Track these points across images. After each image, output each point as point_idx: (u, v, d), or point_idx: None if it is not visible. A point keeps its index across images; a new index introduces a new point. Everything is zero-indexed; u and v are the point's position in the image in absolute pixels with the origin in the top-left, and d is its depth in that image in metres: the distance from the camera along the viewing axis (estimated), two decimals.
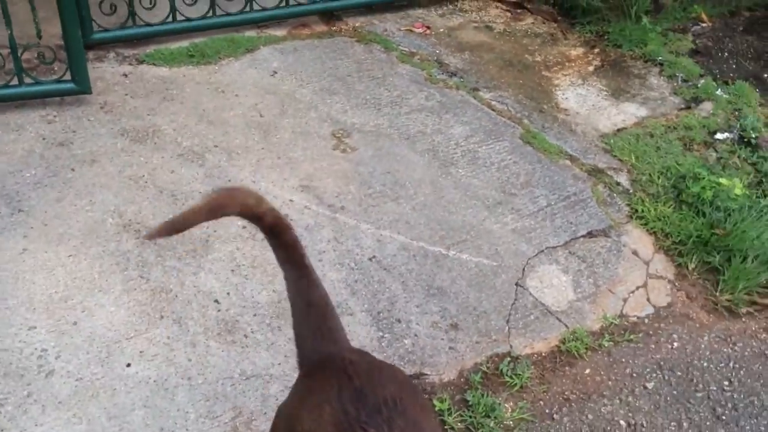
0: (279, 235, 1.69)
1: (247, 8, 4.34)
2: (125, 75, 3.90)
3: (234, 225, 3.04)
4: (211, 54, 4.13)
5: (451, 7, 4.96)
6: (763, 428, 2.56)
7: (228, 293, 2.79)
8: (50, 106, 3.60)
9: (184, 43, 4.18)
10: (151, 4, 4.04)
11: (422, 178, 3.41)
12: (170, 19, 4.15)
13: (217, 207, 1.59)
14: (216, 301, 2.76)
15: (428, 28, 4.68)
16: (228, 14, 4.30)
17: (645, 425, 2.54)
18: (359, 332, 2.72)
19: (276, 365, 2.58)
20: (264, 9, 4.39)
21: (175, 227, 1.52)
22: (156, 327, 2.64)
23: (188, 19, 4.18)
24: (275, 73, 4.05)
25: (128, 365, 2.51)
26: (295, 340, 1.74)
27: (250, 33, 4.39)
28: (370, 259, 2.98)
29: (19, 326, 2.58)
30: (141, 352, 2.55)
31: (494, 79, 4.21)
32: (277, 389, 2.51)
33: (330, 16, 4.67)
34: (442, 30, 4.69)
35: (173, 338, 2.61)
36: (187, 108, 3.69)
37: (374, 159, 3.49)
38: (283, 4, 4.43)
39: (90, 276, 2.79)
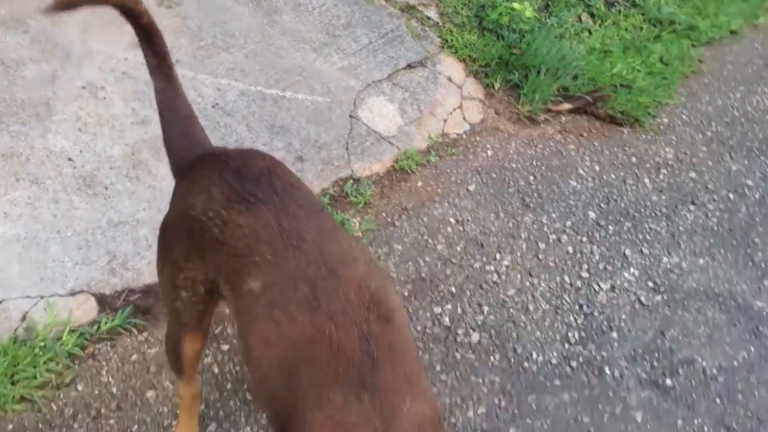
0: (152, 40, 1.83)
1: None
2: None
3: (73, 86, 3.10)
4: None
5: None
6: (561, 210, 3.12)
7: (80, 151, 2.90)
8: None
9: None
10: None
11: (250, 27, 3.57)
12: None
13: None
14: (69, 159, 2.87)
15: None
16: None
17: (470, 219, 3.02)
18: None
19: (141, 211, 2.77)
20: None
21: (64, 2, 1.66)
22: (14, 189, 2.73)
23: None
24: None
25: None
26: (166, 149, 1.94)
27: None
28: (213, 107, 3.17)
29: None
30: (5, 213, 2.65)
31: None
32: (146, 232, 2.72)
33: None
34: None
35: (34, 197, 2.72)
36: None
37: (200, 12, 3.58)
38: None
39: None
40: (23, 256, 2.56)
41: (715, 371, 2.62)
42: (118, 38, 3.36)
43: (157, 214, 2.77)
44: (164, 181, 2.88)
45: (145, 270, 2.63)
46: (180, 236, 1.74)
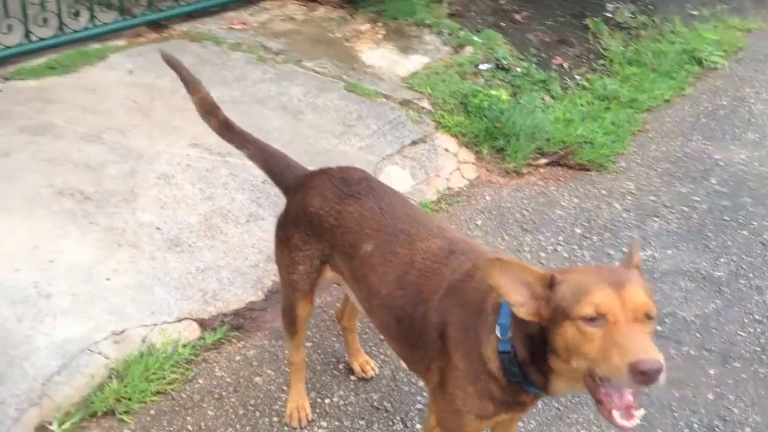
0: (231, 128, 2.66)
1: (90, 25, 5.06)
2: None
3: (150, 177, 3.84)
4: (70, 65, 4.81)
5: (256, 7, 5.97)
6: (553, 230, 3.85)
7: (165, 222, 3.60)
8: None
9: (41, 60, 4.82)
10: (7, 30, 4.64)
11: (281, 126, 4.39)
12: (26, 40, 4.77)
13: (191, 80, 2.59)
14: (157, 228, 3.56)
15: (244, 24, 5.66)
16: (75, 31, 4.99)
17: (481, 243, 3.73)
18: (271, 230, 3.64)
19: (220, 259, 3.45)
20: (105, 24, 5.13)
21: (178, 66, 2.60)
22: (118, 253, 3.40)
23: (42, 39, 4.83)
24: (131, 72, 4.83)
25: (108, 279, 3.26)
26: (275, 182, 2.69)
27: (96, 45, 5.10)
28: (263, 182, 3.92)
29: (6, 272, 3.21)
30: (114, 269, 3.31)
31: (310, 53, 5.28)
32: (227, 273, 3.38)
33: (158, 25, 5.48)
34: (256, 24, 5.68)
35: (135, 257, 3.39)
36: (69, 106, 4.37)
37: (239, 118, 4.30)
38: (119, 18, 5.20)
39: (48, 230, 3.46)
40: (135, 298, 3.19)
41: (692, 318, 3.34)
42: (179, 141, 4.15)
43: (233, 261, 3.45)
44: (234, 238, 3.58)
45: (231, 300, 3.28)
46: (299, 227, 2.46)
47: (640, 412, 1.70)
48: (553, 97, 4.99)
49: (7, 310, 3.04)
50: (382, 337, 2.97)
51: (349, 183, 2.42)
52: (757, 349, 3.21)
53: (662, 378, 1.58)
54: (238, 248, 3.53)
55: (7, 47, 4.70)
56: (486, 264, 1.84)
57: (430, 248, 2.19)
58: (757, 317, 3.39)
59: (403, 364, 2.74)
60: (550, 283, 1.77)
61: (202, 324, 3.17)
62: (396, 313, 2.20)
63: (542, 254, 3.65)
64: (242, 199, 3.81)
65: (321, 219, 2.39)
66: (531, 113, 4.61)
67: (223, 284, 3.34)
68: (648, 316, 1.70)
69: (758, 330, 3.31)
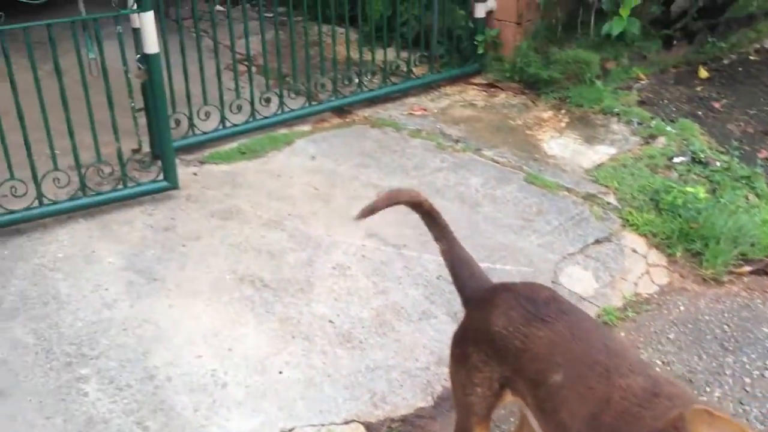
0: (434, 218, 2.54)
1: (279, 111, 5.28)
2: (195, 174, 4.74)
3: (326, 267, 3.85)
4: (259, 149, 5.02)
5: (437, 93, 6.00)
6: (759, 351, 3.41)
7: (338, 315, 3.57)
8: (146, 203, 4.39)
9: (233, 144, 5.07)
10: (206, 116, 4.93)
11: (458, 218, 4.28)
12: (221, 126, 5.03)
13: (394, 198, 2.45)
14: (330, 321, 3.53)
15: (425, 110, 5.68)
16: (265, 117, 5.22)
17: (675, 360, 3.37)
18: (446, 329, 3.50)
19: (390, 358, 3.34)
20: (292, 110, 5.33)
21: (369, 211, 2.38)
22: (291, 345, 3.39)
23: (234, 125, 5.08)
24: (314, 157, 4.95)
25: (280, 372, 3.25)
26: (457, 288, 2.55)
27: (283, 131, 5.30)
28: (437, 278, 3.81)
29: (189, 357, 3.30)
30: (286, 362, 3.30)
31: (490, 141, 5.19)
32: (396, 375, 3.26)
33: (342, 110, 5.63)
34: (436, 111, 5.69)
35: (307, 350, 3.36)
36: (255, 191, 4.53)
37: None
38: (306, 104, 5.39)
39: (228, 316, 3.54)
40: (305, 394, 3.15)
41: None
42: (355, 231, 4.15)
43: (403, 361, 3.33)
44: (406, 336, 3.47)
45: (400, 404, 3.14)
46: (479, 346, 2.30)
47: None
48: (758, 196, 4.53)
49: (186, 397, 3.10)
50: None
51: (537, 304, 2.24)
52: None
53: None
54: (410, 348, 3.41)
55: (205, 132, 4.98)
56: (691, 414, 1.58)
57: (631, 387, 1.95)
58: None
59: None
60: None
61: (369, 428, 3.05)
62: None
63: (747, 379, 3.23)
64: (415, 294, 3.71)
65: (505, 340, 2.22)
66: (733, 213, 4.19)
67: (393, 386, 3.22)
68: None
69: None
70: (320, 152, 5.01)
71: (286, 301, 3.64)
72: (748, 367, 3.31)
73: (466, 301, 2.51)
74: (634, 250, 4.10)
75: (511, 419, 3.05)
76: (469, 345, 2.34)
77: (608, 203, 4.46)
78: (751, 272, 3.95)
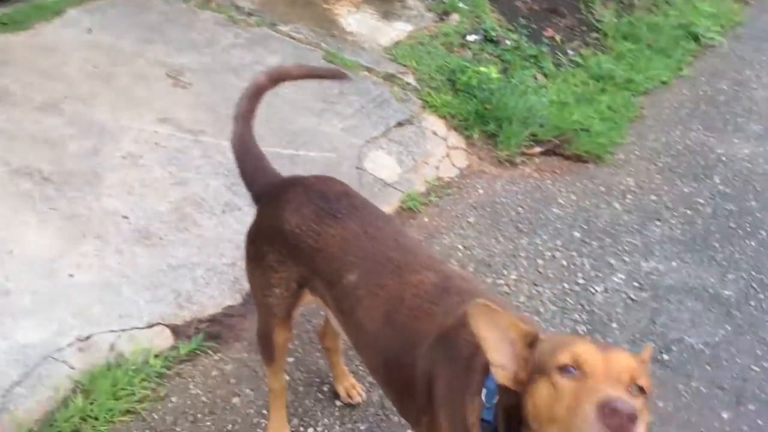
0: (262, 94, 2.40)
1: None
2: None
3: (115, 157, 3.48)
4: (24, 20, 4.34)
5: None
6: (550, 232, 3.63)
7: (132, 209, 3.27)
8: None
9: None
10: None
11: None
12: None
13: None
14: (124, 216, 3.23)
15: None
16: None
17: (475, 245, 3.50)
18: (248, 222, 3.34)
19: (193, 255, 3.14)
20: None
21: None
22: (82, 244, 3.06)
23: None
24: (90, 30, 4.39)
25: (71, 275, 2.93)
26: (244, 181, 2.40)
27: None
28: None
29: None
30: (77, 264, 2.98)
31: (286, 15, 4.89)
32: (202, 272, 3.08)
33: None
34: None
35: (100, 250, 3.06)
36: (24, 69, 3.94)
37: (212, 90, 4.05)
38: None
39: (4, 215, 3.10)
40: (102, 298, 2.88)
41: (701, 346, 3.12)
42: (145, 115, 3.78)
43: (208, 258, 3.14)
44: (209, 230, 3.27)
45: (207, 303, 2.99)
46: (274, 245, 2.15)
47: None
48: (545, 75, 4.72)
49: None
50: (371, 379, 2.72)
51: (329, 199, 2.12)
52: None
53: (640, 429, 1.33)
54: (214, 243, 3.23)
55: None
56: (471, 308, 1.58)
57: (422, 283, 1.91)
58: None
59: None
60: (533, 342, 1.54)
61: (175, 331, 2.88)
62: (383, 354, 1.95)
63: (540, 261, 3.43)
64: (217, 185, 3.48)
65: (298, 239, 2.09)
66: (523, 94, 4.34)
67: (198, 285, 3.04)
68: (638, 386, 1.43)
69: None
70: (97, 24, 4.45)
71: (71, 195, 3.26)
72: (540, 248, 3.51)
73: (257, 198, 2.35)
74: (435, 133, 4.13)
75: (321, 313, 3.02)
76: (264, 244, 2.19)
77: (408, 84, 4.42)
78: (542, 153, 4.15)
